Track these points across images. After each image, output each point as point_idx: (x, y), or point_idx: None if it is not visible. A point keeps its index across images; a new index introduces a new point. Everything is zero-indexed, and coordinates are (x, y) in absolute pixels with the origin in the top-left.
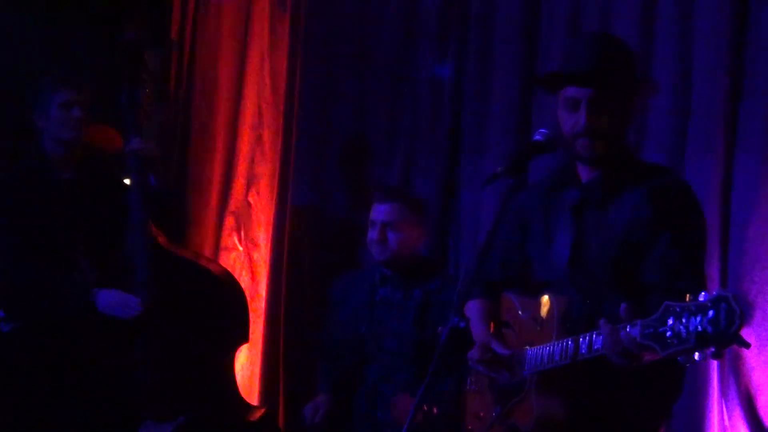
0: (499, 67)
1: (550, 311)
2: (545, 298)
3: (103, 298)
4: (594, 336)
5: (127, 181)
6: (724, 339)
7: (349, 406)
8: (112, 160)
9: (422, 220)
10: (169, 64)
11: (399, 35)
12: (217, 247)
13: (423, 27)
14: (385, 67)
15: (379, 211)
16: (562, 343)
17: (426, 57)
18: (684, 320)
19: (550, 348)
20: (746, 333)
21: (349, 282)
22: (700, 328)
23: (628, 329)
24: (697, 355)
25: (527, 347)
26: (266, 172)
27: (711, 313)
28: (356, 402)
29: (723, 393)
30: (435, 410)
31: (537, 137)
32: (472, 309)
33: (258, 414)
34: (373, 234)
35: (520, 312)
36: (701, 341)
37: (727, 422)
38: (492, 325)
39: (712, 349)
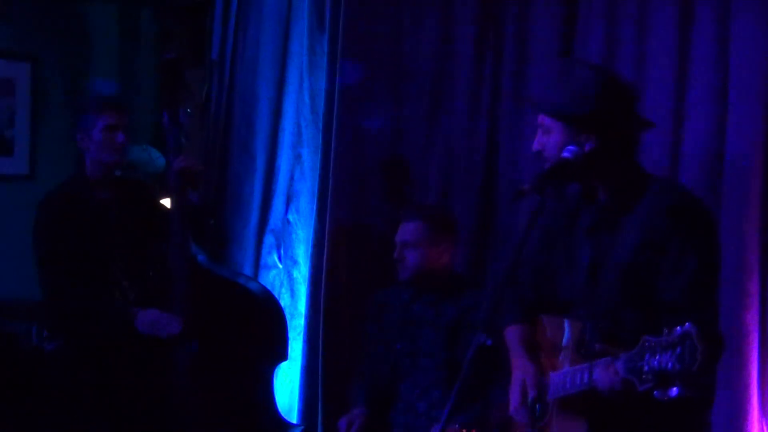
0: (535, 80)
1: (566, 336)
2: (563, 323)
3: (142, 318)
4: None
5: (164, 202)
6: (687, 377)
7: (385, 423)
8: (152, 180)
9: (445, 238)
10: (210, 83)
11: (436, 53)
12: (257, 265)
13: (460, 46)
14: (422, 85)
15: (400, 231)
16: (574, 371)
17: (463, 73)
18: (657, 356)
19: (564, 375)
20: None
21: (384, 298)
22: (669, 365)
23: (616, 363)
24: (672, 391)
25: (551, 372)
26: (305, 190)
27: (678, 349)
28: (393, 419)
29: (764, 409)
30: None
31: (565, 154)
32: (512, 335)
33: (296, 431)
34: (395, 253)
35: (548, 334)
36: (669, 378)
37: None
38: (531, 355)
39: (677, 388)
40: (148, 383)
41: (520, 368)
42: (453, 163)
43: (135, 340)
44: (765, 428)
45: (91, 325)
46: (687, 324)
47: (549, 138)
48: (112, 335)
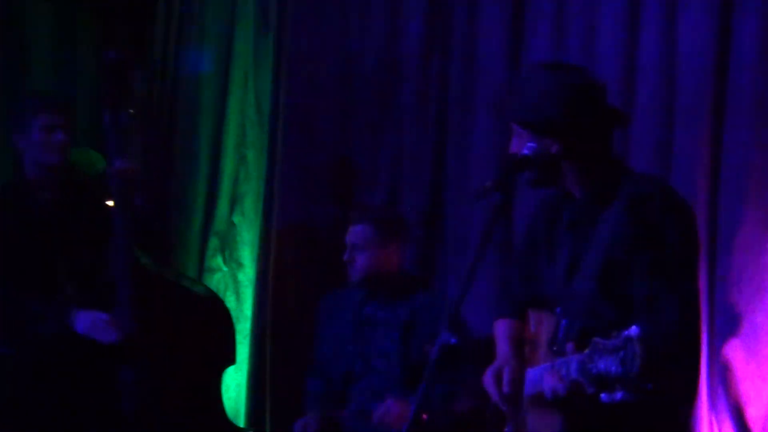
0: (483, 83)
1: (542, 332)
2: (545, 318)
3: (82, 319)
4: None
5: (109, 203)
6: (628, 381)
7: (338, 426)
8: (94, 182)
9: (394, 239)
10: (152, 84)
11: (383, 53)
12: (201, 268)
13: (407, 43)
14: (369, 85)
15: (350, 233)
16: (537, 371)
17: (410, 71)
18: (604, 359)
19: (536, 372)
20: (734, 344)
21: (335, 300)
22: (612, 368)
23: (569, 366)
24: (617, 395)
25: (528, 367)
26: (250, 192)
27: (621, 353)
28: (345, 421)
29: (712, 404)
30: (425, 416)
31: (525, 152)
32: (499, 328)
33: None
34: (345, 256)
35: (532, 330)
36: (612, 381)
37: None
38: (514, 350)
39: (621, 393)
40: (92, 389)
41: (500, 359)
42: (401, 162)
43: (78, 345)
44: (714, 423)
45: (28, 329)
46: (633, 327)
47: (521, 141)
48: (52, 340)
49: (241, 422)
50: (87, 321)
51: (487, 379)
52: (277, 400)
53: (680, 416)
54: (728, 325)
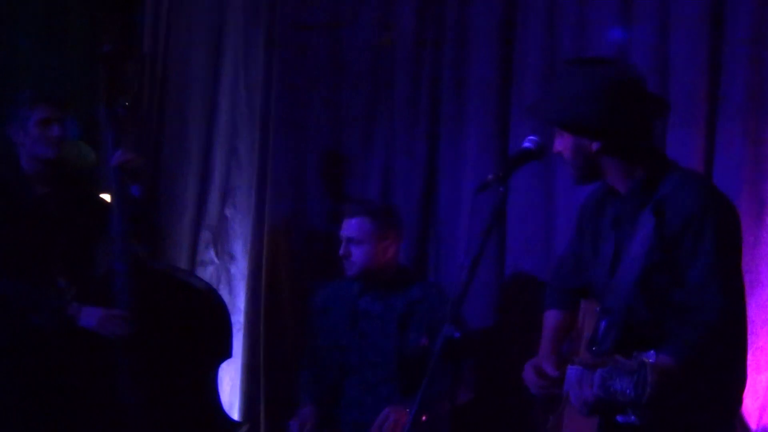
0: (475, 75)
1: (585, 328)
2: (589, 314)
3: (87, 314)
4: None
5: (103, 197)
6: (637, 407)
7: (332, 419)
8: (85, 175)
9: (390, 233)
10: (142, 77)
11: (375, 45)
12: (193, 262)
13: (399, 37)
14: (362, 77)
15: (345, 227)
16: (579, 371)
17: (402, 64)
18: (621, 379)
19: (574, 373)
20: None
21: (330, 292)
22: (627, 390)
23: (593, 376)
24: (632, 418)
25: (569, 364)
26: (242, 185)
27: (635, 377)
28: (340, 415)
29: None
30: (424, 417)
31: (527, 144)
32: (546, 319)
33: (241, 430)
34: (340, 250)
35: (579, 323)
36: (626, 404)
37: None
38: (555, 342)
39: (633, 417)
40: (90, 382)
41: (541, 354)
42: (394, 155)
43: (74, 338)
44: None
45: (25, 323)
46: (650, 352)
47: (563, 140)
48: (49, 333)
49: (235, 415)
50: (95, 316)
51: (528, 373)
52: (271, 392)
53: (724, 420)
54: None
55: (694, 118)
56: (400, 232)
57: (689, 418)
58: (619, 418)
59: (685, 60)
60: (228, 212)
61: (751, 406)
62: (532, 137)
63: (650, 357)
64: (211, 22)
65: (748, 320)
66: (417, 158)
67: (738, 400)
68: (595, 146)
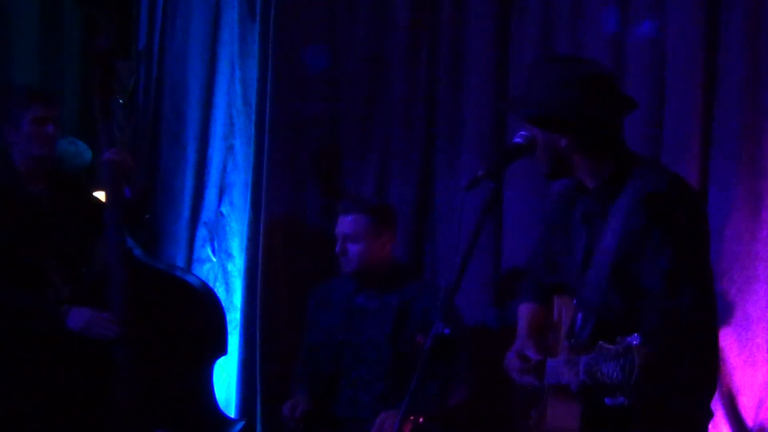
0: (471, 74)
1: (562, 321)
2: (565, 307)
3: (75, 316)
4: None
5: (97, 195)
6: (626, 388)
7: (328, 417)
8: (81, 173)
9: (386, 230)
10: (137, 74)
11: (371, 41)
12: (190, 259)
13: (395, 31)
14: (357, 73)
15: (341, 223)
16: (558, 364)
17: (399, 62)
18: (608, 364)
19: (554, 363)
20: (727, 333)
21: (326, 290)
22: (614, 374)
23: (579, 364)
24: (619, 399)
25: (548, 358)
26: (239, 182)
27: (621, 361)
28: (337, 412)
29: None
30: (421, 419)
31: (517, 140)
32: (521, 311)
33: (237, 426)
34: (336, 247)
35: (554, 317)
36: (614, 387)
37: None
38: (533, 329)
39: (622, 398)
40: (84, 379)
41: (519, 341)
42: (390, 152)
43: (69, 336)
44: None
45: (20, 325)
46: (634, 335)
47: (534, 136)
48: (43, 333)
49: (231, 413)
50: (82, 318)
51: (509, 360)
52: (267, 390)
53: (700, 404)
54: (720, 314)
55: (689, 113)
56: (395, 229)
57: (670, 402)
58: (607, 400)
59: (681, 48)
60: (224, 210)
61: (748, 402)
62: (522, 132)
63: (634, 340)
64: (206, 17)
65: (748, 316)
66: (413, 155)
67: (713, 385)
68: (563, 142)
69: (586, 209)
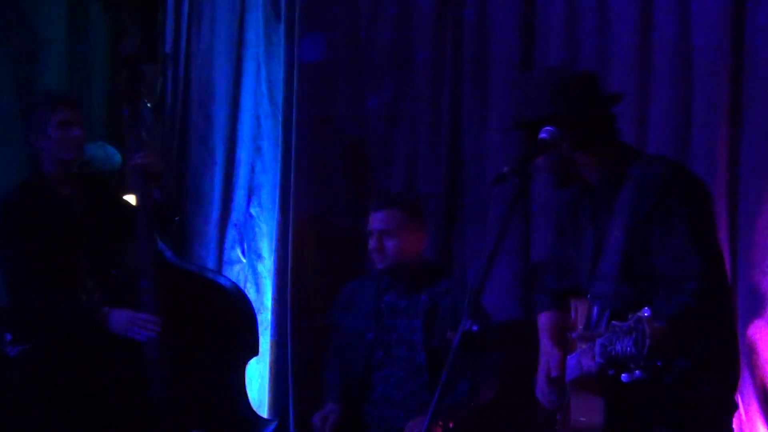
0: (497, 64)
1: (579, 319)
2: (581, 306)
3: (115, 318)
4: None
5: (127, 198)
6: (640, 360)
7: (360, 416)
8: (111, 176)
9: (420, 225)
10: (165, 77)
11: (396, 39)
12: (220, 261)
13: (419, 30)
14: (383, 71)
15: (375, 220)
16: (578, 355)
17: (424, 59)
18: (621, 341)
19: (574, 358)
20: (759, 326)
21: (354, 289)
22: (627, 349)
23: (594, 348)
24: (636, 373)
25: (568, 355)
26: (267, 183)
27: (634, 335)
28: (368, 411)
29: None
30: (451, 424)
31: (543, 135)
32: (541, 323)
33: (270, 427)
34: (371, 243)
35: (572, 318)
36: (628, 361)
37: (743, 417)
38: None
39: (638, 372)
40: (120, 383)
41: (544, 354)
42: (417, 149)
43: (104, 339)
44: (741, 405)
45: (59, 328)
46: (644, 309)
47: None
48: (79, 336)
49: (264, 412)
50: (123, 319)
51: (540, 388)
52: (299, 389)
53: (721, 393)
54: (752, 306)
55: (718, 106)
56: (426, 224)
57: (688, 384)
58: (624, 377)
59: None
60: (253, 211)
61: None
62: (548, 128)
63: (645, 312)
64: (231, 19)
65: None
66: (440, 151)
67: (733, 373)
68: (564, 144)
69: (592, 207)
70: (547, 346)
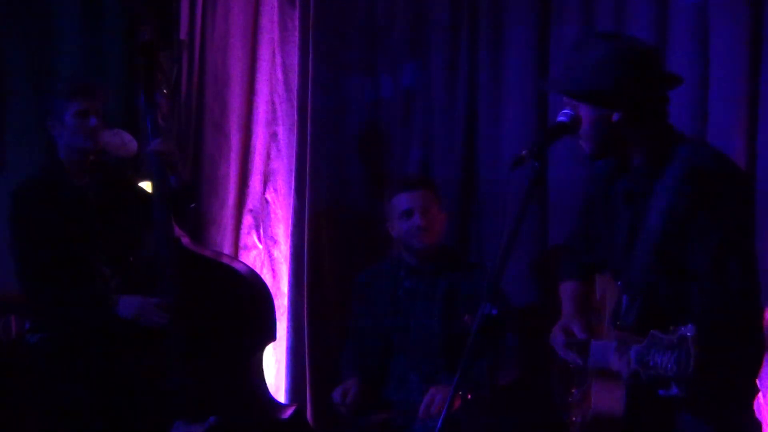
0: (513, 51)
1: (606, 302)
2: (609, 288)
3: (124, 304)
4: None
5: (142, 185)
6: (683, 381)
7: (379, 400)
8: (127, 164)
9: (443, 207)
10: (180, 64)
11: (411, 22)
12: (236, 246)
13: (435, 13)
14: (398, 56)
15: (414, 198)
16: (605, 347)
17: (439, 44)
18: (661, 354)
19: (600, 346)
20: None
21: (372, 275)
22: (668, 366)
23: (629, 352)
24: (673, 390)
25: (593, 339)
26: (282, 168)
27: (676, 353)
28: (387, 396)
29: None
30: (469, 396)
31: (561, 118)
32: (564, 289)
33: (288, 411)
34: (416, 220)
35: (598, 297)
36: (669, 378)
37: (761, 400)
38: (579, 306)
39: (676, 390)
40: (137, 367)
41: (565, 318)
42: (433, 135)
43: (122, 325)
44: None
45: (73, 315)
46: (689, 326)
47: (582, 113)
48: (95, 323)
49: (282, 397)
50: (133, 305)
51: (555, 335)
52: (316, 374)
53: (747, 383)
54: None
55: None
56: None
57: (720, 385)
58: (660, 392)
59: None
60: (269, 196)
61: None
62: (566, 111)
63: (689, 331)
64: (246, 5)
65: None
66: (456, 136)
67: (759, 363)
68: (615, 116)
69: (629, 188)
70: (569, 310)
